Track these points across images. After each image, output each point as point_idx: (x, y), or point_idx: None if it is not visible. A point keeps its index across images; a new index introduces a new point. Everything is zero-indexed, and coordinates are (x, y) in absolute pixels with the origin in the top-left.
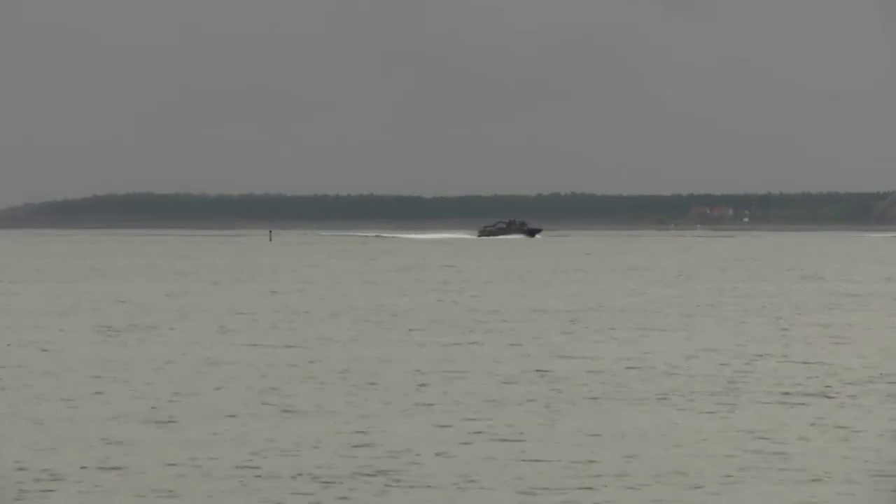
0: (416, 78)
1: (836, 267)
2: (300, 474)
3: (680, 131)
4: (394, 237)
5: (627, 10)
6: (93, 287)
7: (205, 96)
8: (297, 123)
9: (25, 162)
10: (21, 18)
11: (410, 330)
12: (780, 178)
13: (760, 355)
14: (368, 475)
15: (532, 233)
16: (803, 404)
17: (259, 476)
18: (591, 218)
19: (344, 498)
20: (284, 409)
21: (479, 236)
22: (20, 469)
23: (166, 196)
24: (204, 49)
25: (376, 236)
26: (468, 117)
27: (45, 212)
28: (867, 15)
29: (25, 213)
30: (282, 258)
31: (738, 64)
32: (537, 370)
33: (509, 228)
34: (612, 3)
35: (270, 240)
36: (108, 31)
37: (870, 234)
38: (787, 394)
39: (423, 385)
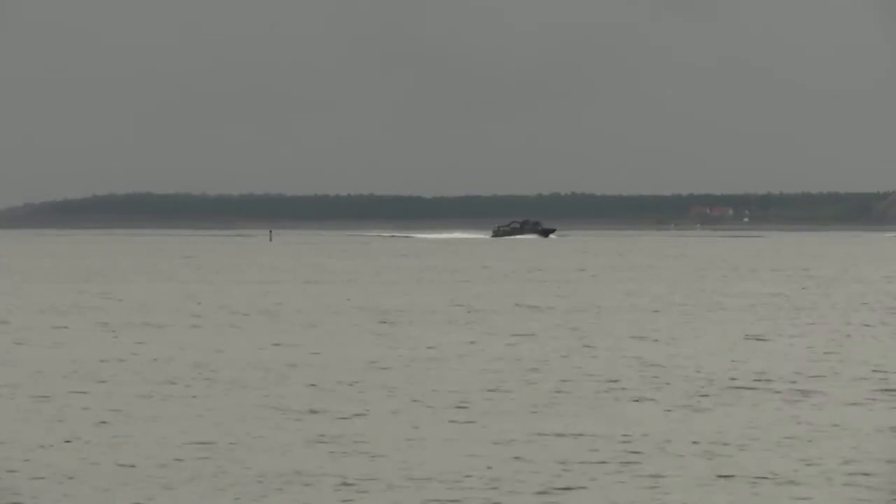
0: (416, 78)
1: (840, 266)
2: (291, 474)
3: (680, 131)
4: (406, 237)
5: (627, 10)
6: (92, 287)
7: (205, 96)
8: (297, 123)
9: (25, 162)
10: (21, 18)
11: (406, 328)
12: (780, 178)
13: (758, 355)
14: (359, 474)
15: (546, 233)
16: (798, 402)
17: (251, 476)
18: (591, 218)
19: (331, 498)
20: (275, 408)
21: (493, 236)
22: (14, 469)
23: (166, 196)
24: (204, 49)
25: (377, 236)
26: (468, 117)
27: (45, 212)
28: (867, 15)
29: (25, 213)
30: (283, 258)
31: (738, 64)
32: (531, 369)
33: (523, 228)
34: (612, 3)
35: (271, 240)
36: (108, 31)
37: (874, 233)
38: (780, 392)
39: (416, 384)
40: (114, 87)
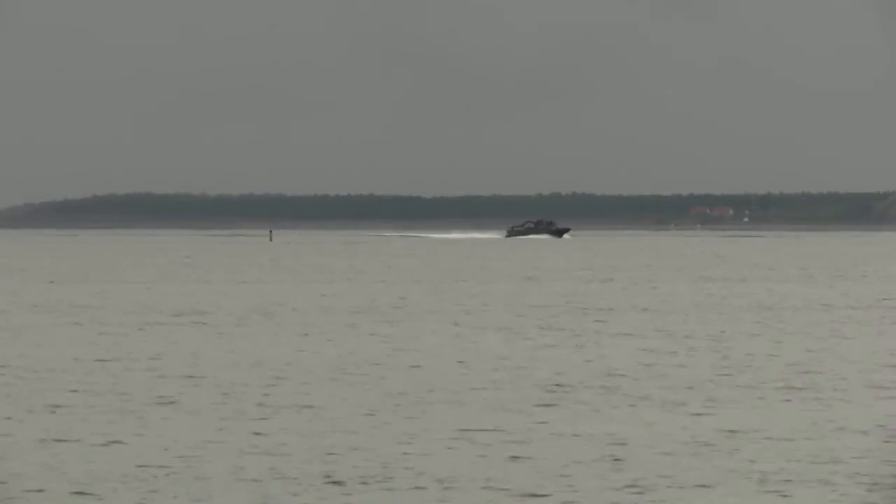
0: (416, 78)
1: (839, 266)
2: (286, 473)
3: (680, 131)
4: (416, 237)
5: (627, 10)
6: (91, 287)
7: (205, 96)
8: (297, 123)
9: (25, 162)
10: (21, 18)
11: (403, 328)
12: (780, 178)
13: (755, 354)
14: (347, 476)
15: (560, 233)
16: (790, 401)
17: (247, 476)
18: (591, 218)
19: (325, 498)
20: (273, 407)
21: (507, 236)
22: (10, 469)
23: (166, 196)
24: (204, 49)
25: (389, 236)
26: (468, 117)
27: (45, 212)
28: (867, 15)
29: (25, 213)
30: (285, 257)
31: (738, 64)
32: (520, 367)
33: (537, 228)
34: (612, 3)
35: (271, 240)
36: (108, 31)
37: (874, 233)
38: (777, 391)
39: (412, 383)
40: (114, 87)
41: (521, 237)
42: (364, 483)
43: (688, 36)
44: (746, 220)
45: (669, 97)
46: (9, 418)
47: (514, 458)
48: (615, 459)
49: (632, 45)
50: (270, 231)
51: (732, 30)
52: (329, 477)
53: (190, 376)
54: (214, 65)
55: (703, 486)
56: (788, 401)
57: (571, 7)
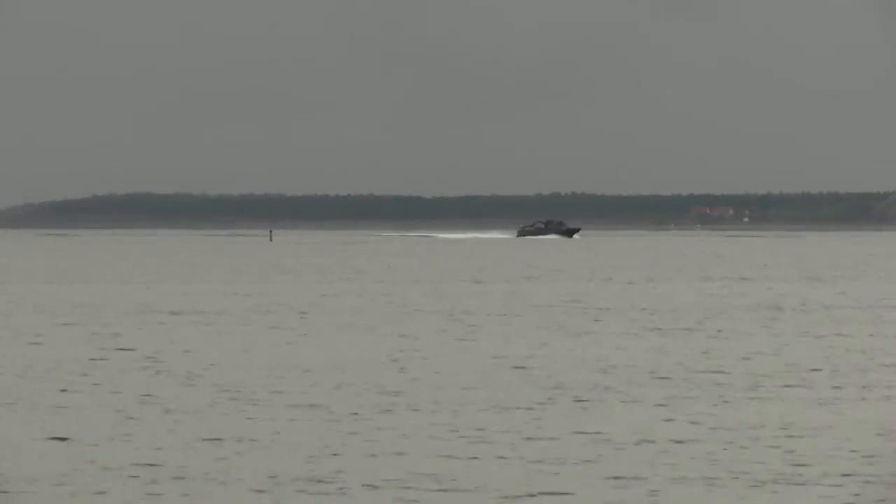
0: (416, 78)
1: (839, 267)
2: (280, 473)
3: (680, 131)
4: (425, 237)
5: (627, 10)
6: (91, 287)
7: (205, 96)
8: (297, 123)
9: (25, 162)
10: (21, 18)
11: (400, 327)
12: (780, 178)
13: (750, 354)
14: (344, 475)
15: (570, 233)
16: (789, 400)
17: (242, 477)
18: (591, 218)
19: (318, 497)
20: (267, 407)
21: (518, 236)
22: (6, 470)
23: (166, 196)
24: (204, 49)
25: (401, 235)
26: (468, 117)
27: (45, 212)
28: (867, 15)
29: (25, 213)
30: (285, 257)
31: (738, 64)
32: (517, 366)
33: (547, 228)
34: (612, 3)
35: (271, 240)
36: (108, 31)
37: (874, 233)
38: (772, 391)
39: (405, 383)
40: (114, 87)
41: (532, 237)
42: (361, 482)
43: (688, 36)
44: (746, 220)
45: (669, 97)
46: (8, 418)
47: (513, 457)
48: (613, 459)
49: (632, 45)
50: (270, 231)
51: (732, 30)
52: (325, 477)
53: (188, 376)
54: (214, 65)
55: (701, 485)
56: (786, 400)
57: (571, 7)
